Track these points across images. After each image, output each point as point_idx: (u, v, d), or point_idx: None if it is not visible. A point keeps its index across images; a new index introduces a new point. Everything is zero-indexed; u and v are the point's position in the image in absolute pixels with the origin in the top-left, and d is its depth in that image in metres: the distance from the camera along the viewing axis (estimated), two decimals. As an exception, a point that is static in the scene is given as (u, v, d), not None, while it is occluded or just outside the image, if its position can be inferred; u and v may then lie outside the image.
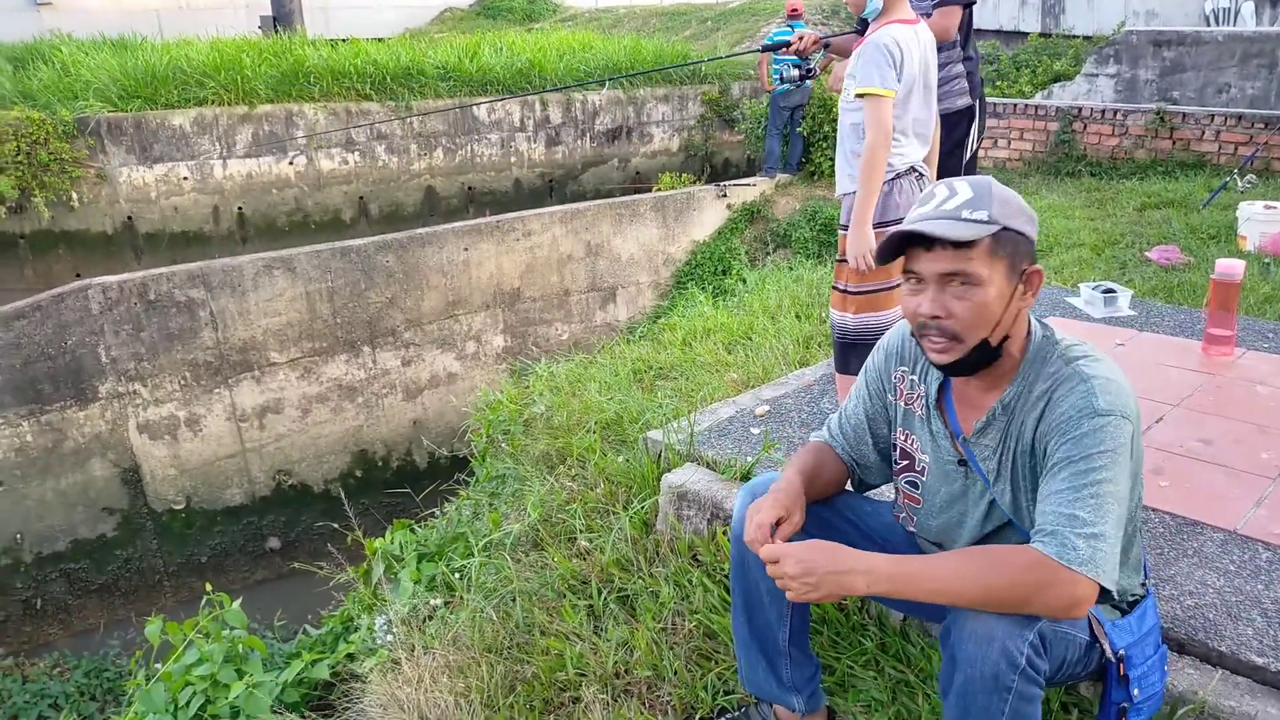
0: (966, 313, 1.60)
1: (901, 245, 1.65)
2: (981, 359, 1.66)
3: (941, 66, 3.73)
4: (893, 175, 3.01)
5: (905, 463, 1.90)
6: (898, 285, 3.09)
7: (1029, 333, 1.70)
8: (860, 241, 2.98)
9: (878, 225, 3.01)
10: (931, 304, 1.62)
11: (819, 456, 1.95)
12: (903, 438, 1.89)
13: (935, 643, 2.15)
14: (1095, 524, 1.51)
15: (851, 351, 3.08)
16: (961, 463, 1.78)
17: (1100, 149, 9.03)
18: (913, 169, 3.07)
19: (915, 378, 1.86)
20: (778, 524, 1.73)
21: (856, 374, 3.02)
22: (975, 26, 4.22)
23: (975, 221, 1.58)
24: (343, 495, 4.95)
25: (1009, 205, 1.61)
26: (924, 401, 1.84)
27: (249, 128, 9.65)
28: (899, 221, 3.02)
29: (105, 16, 14.28)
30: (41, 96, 9.08)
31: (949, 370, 1.70)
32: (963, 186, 1.64)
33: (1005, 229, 1.59)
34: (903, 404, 1.89)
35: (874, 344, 2.97)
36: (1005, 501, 1.73)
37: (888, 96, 2.89)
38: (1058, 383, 1.63)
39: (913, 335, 1.75)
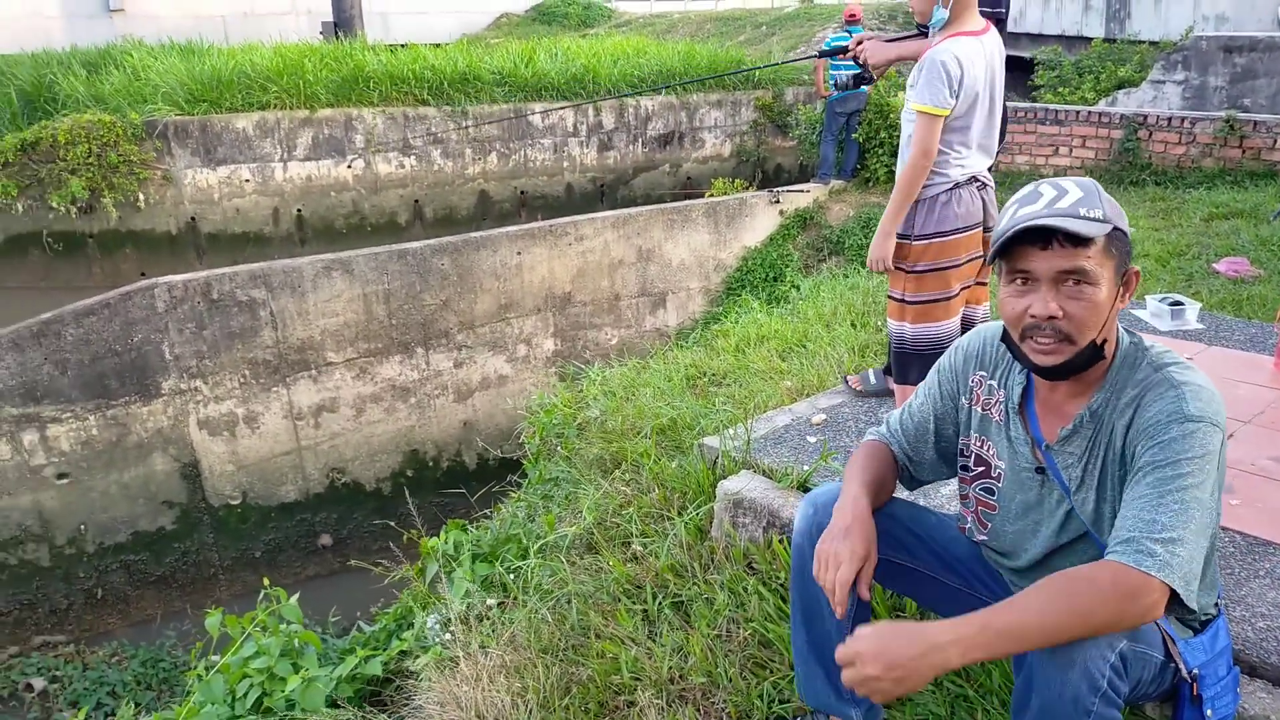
0: (1081, 312, 1.56)
1: (1006, 245, 1.60)
2: (1089, 360, 1.62)
3: None
4: (950, 185, 2.99)
5: (980, 469, 1.86)
6: (955, 296, 3.07)
7: (1117, 340, 1.67)
8: (880, 248, 3.06)
9: (935, 235, 3.00)
10: (1045, 304, 1.58)
11: (879, 463, 1.91)
12: (978, 444, 1.86)
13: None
14: (1174, 528, 1.47)
15: (911, 362, 3.05)
16: (1039, 470, 1.75)
17: (1166, 158, 8.83)
18: (974, 179, 3.04)
19: (994, 383, 1.83)
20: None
21: (916, 384, 3.00)
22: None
23: (1093, 220, 1.55)
24: (406, 494, 5.03)
25: (1115, 205, 1.60)
26: (1003, 407, 1.80)
27: (309, 131, 9.84)
28: (958, 231, 3.01)
29: (174, 22, 14.68)
30: (112, 100, 9.36)
31: (1051, 373, 1.64)
32: (1071, 185, 1.61)
33: (1117, 228, 1.58)
34: (979, 409, 1.85)
35: (932, 355, 2.95)
36: (1086, 511, 1.69)
37: (939, 115, 2.89)
38: (1147, 388, 1.60)
39: (1005, 339, 1.71)
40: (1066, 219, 1.55)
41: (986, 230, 3.05)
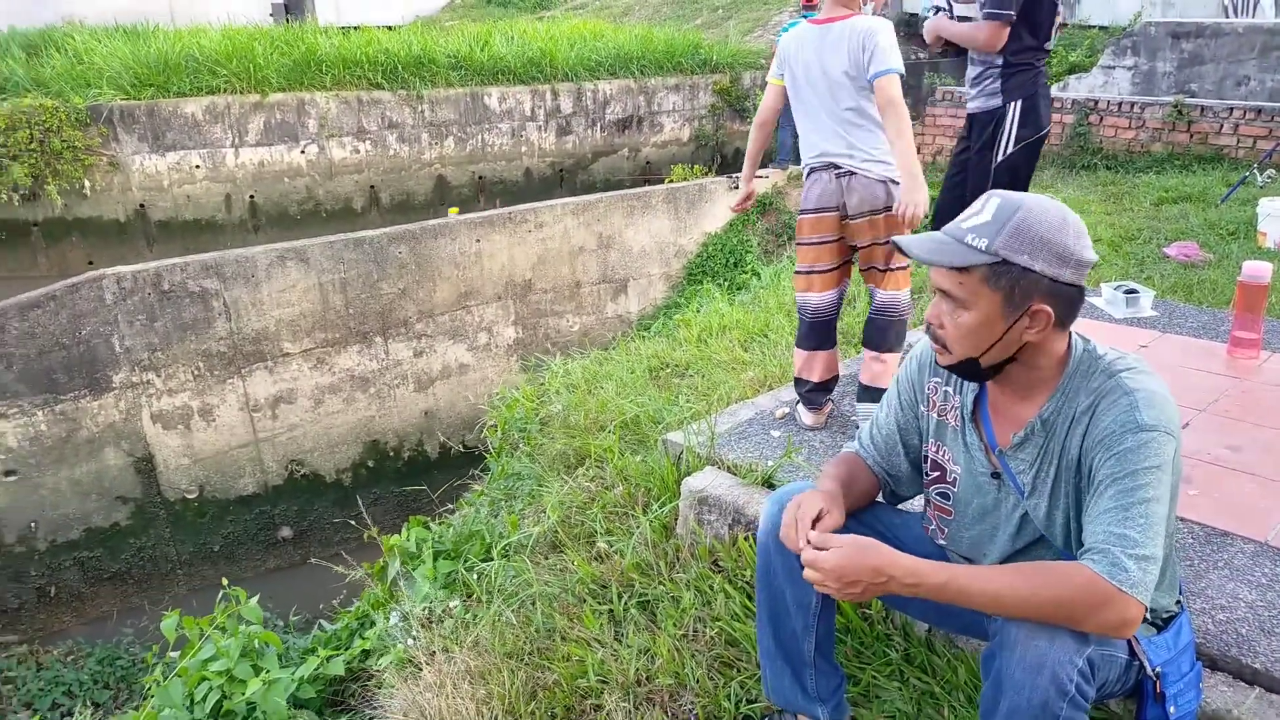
0: (952, 329, 1.64)
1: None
2: (973, 372, 1.69)
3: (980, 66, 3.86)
4: (807, 169, 3.18)
5: (936, 474, 1.88)
6: (811, 272, 3.17)
7: (1069, 348, 1.68)
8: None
9: (800, 211, 3.22)
10: (931, 310, 1.68)
11: (851, 468, 1.93)
12: (934, 449, 1.88)
13: (961, 654, 2.14)
14: (1145, 545, 1.49)
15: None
16: (995, 475, 1.77)
17: (1116, 142, 8.95)
18: (831, 165, 3.09)
19: (950, 389, 1.84)
20: (817, 521, 1.70)
21: (802, 349, 3.19)
22: None
23: (972, 248, 1.58)
24: (358, 497, 4.95)
25: (1024, 238, 1.55)
26: (959, 413, 1.82)
27: (261, 116, 9.63)
28: (806, 211, 3.15)
29: (118, 3, 14.23)
30: (55, 84, 9.07)
31: (952, 373, 1.74)
32: (991, 206, 1.60)
33: (1006, 262, 1.56)
34: (935, 415, 1.87)
35: (802, 320, 3.18)
36: (1039, 516, 1.71)
37: (771, 84, 3.28)
38: (1101, 396, 1.61)
39: None
40: (933, 244, 1.62)
41: (845, 217, 3.10)
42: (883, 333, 3.14)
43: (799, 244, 3.22)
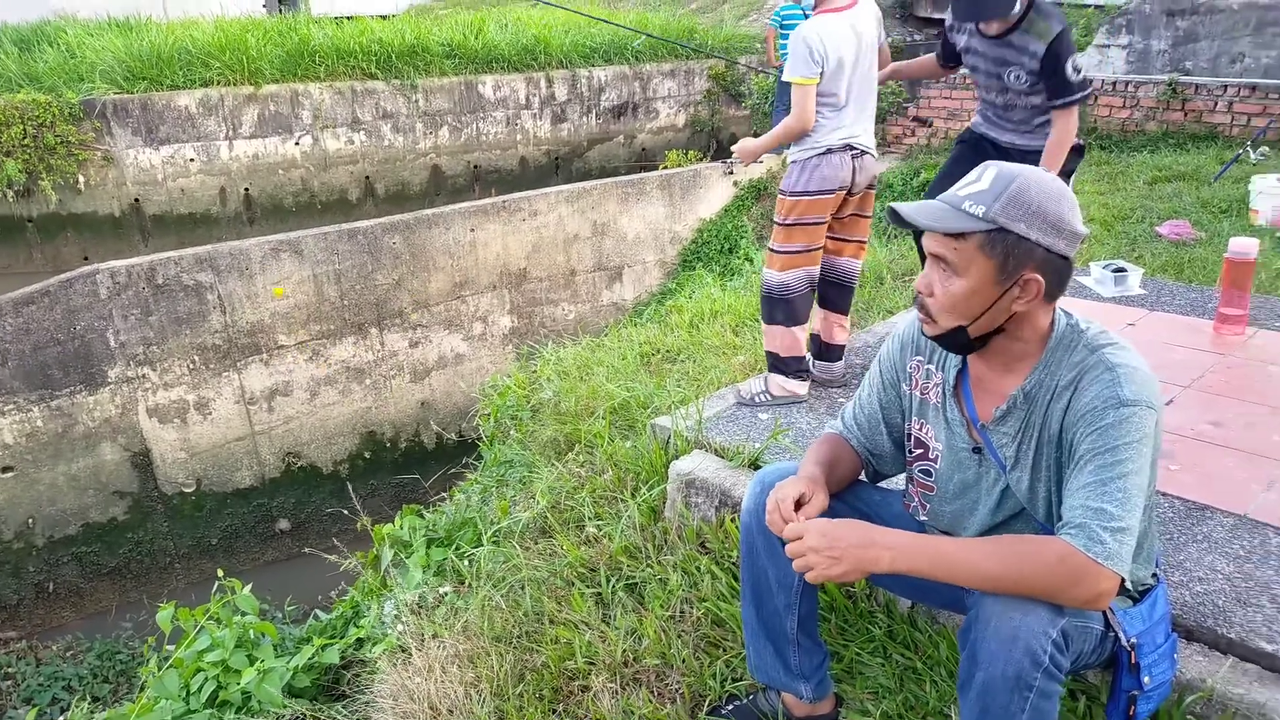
0: (943, 296, 1.63)
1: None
2: (959, 342, 1.68)
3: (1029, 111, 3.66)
4: (823, 150, 3.18)
5: (919, 451, 1.89)
6: (817, 249, 3.24)
7: (1052, 322, 1.68)
8: (745, 148, 3.46)
9: (803, 193, 3.20)
10: (922, 278, 1.68)
11: (833, 449, 1.94)
12: (917, 426, 1.89)
13: (943, 630, 2.15)
14: (1122, 518, 1.50)
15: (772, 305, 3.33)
16: (976, 450, 1.78)
17: (1110, 122, 8.92)
18: (849, 146, 3.20)
19: (932, 366, 1.85)
20: (798, 504, 1.73)
21: (780, 324, 3.27)
22: None
23: (968, 214, 1.58)
24: (349, 486, 4.97)
25: (1020, 207, 1.56)
26: (941, 389, 1.83)
27: (255, 108, 9.62)
28: (822, 192, 3.16)
29: (109, -3, 14.18)
30: (47, 79, 9.06)
31: (938, 343, 1.73)
32: (989, 175, 1.61)
33: (1001, 230, 1.56)
34: (918, 393, 1.88)
35: (792, 300, 3.24)
36: (1021, 489, 1.72)
37: (807, 84, 3.12)
38: (1083, 371, 1.61)
39: None
40: (932, 209, 1.62)
41: (849, 194, 3.28)
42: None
43: (805, 224, 3.26)
